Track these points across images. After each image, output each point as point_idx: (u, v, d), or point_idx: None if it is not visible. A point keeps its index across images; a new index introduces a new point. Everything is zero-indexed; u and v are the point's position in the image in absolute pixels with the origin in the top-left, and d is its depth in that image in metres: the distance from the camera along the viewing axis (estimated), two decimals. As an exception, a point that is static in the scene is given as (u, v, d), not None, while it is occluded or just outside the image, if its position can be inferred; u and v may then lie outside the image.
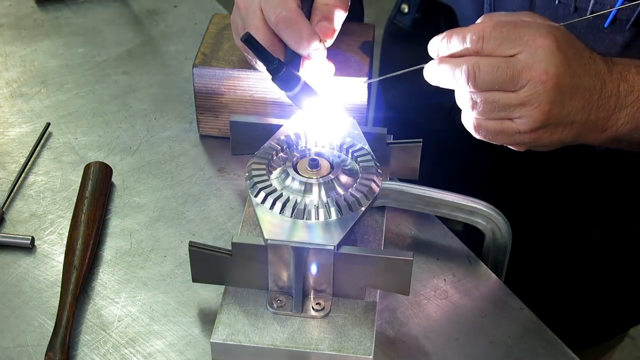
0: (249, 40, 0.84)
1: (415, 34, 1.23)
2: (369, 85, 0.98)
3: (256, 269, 0.81)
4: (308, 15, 0.91)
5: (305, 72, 0.90)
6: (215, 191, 0.99)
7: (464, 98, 0.83)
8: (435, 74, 0.83)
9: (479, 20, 0.83)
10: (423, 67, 0.84)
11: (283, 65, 0.86)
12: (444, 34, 0.82)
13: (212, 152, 1.04)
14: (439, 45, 0.82)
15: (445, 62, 0.81)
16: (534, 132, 0.82)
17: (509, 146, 0.86)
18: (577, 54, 0.81)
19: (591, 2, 0.92)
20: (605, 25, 0.93)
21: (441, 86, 0.83)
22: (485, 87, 0.80)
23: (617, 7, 0.90)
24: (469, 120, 0.84)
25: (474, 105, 0.82)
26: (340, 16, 0.92)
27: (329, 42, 0.92)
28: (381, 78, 0.95)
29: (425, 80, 0.83)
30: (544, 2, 0.97)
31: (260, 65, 0.93)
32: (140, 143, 1.06)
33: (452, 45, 0.81)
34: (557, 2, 0.95)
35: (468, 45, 0.80)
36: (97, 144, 1.05)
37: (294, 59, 0.90)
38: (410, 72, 0.86)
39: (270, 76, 0.87)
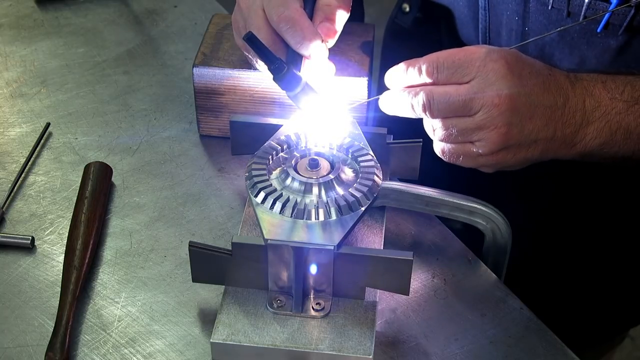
0: (251, 40, 0.84)
1: (416, 33, 1.23)
2: (369, 85, 0.98)
3: (256, 269, 0.81)
4: (310, 15, 0.91)
5: (307, 72, 0.90)
6: (215, 191, 0.99)
7: (427, 124, 0.86)
8: (393, 104, 0.85)
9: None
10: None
11: (285, 65, 0.86)
12: (401, 65, 0.84)
13: (212, 152, 1.04)
14: (396, 77, 0.84)
15: (402, 92, 0.84)
16: (495, 154, 0.84)
17: (478, 169, 0.88)
18: (532, 73, 0.82)
19: (584, 7, 0.92)
20: (599, 30, 0.93)
21: (398, 115, 0.86)
22: (441, 114, 0.82)
23: (610, 9, 0.91)
24: (435, 144, 0.87)
25: (435, 131, 0.85)
26: (342, 17, 0.92)
27: (331, 42, 0.92)
28: (366, 101, 0.97)
29: None
30: (538, 7, 0.97)
31: (261, 65, 0.93)
32: (140, 143, 1.06)
33: (409, 77, 0.83)
34: (550, 7, 0.95)
35: (424, 75, 0.82)
36: (97, 144, 1.05)
37: (296, 59, 0.90)
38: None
39: (271, 76, 0.87)
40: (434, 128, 0.85)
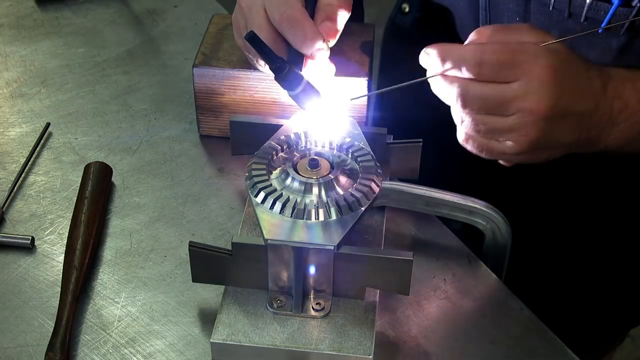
0: (253, 39, 0.84)
1: (416, 33, 1.23)
2: (369, 85, 0.98)
3: (256, 269, 0.81)
4: (311, 15, 0.91)
5: (307, 71, 0.90)
6: (215, 191, 0.99)
7: (456, 114, 0.84)
8: (433, 85, 0.83)
9: (474, 37, 0.83)
10: (417, 81, 0.84)
11: (286, 64, 0.86)
12: (439, 49, 0.81)
13: (212, 152, 1.04)
14: (435, 60, 0.82)
15: (438, 78, 0.82)
16: (519, 155, 0.83)
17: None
18: (574, 78, 0.81)
19: (585, 8, 0.92)
20: (600, 30, 0.93)
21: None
22: (474, 110, 0.81)
23: (608, 22, 0.90)
24: (460, 132, 0.86)
25: (463, 122, 0.83)
26: (343, 16, 0.92)
27: (332, 42, 0.92)
28: (378, 92, 0.95)
29: (426, 81, 0.83)
30: (539, 8, 0.97)
31: (261, 65, 0.93)
32: (140, 143, 1.06)
33: (448, 66, 0.81)
34: (551, 7, 0.95)
35: (464, 70, 0.79)
36: (97, 144, 1.05)
37: (297, 58, 0.90)
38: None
39: (271, 75, 0.87)
40: (462, 119, 0.83)
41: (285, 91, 0.89)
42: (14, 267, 0.90)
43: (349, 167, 0.87)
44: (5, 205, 0.96)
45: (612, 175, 1.08)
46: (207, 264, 0.81)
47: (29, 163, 1.02)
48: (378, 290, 0.83)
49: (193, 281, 0.83)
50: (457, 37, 1.13)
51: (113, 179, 0.99)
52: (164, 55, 1.22)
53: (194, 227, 0.94)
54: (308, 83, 0.88)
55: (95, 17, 1.29)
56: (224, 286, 0.83)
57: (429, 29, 1.20)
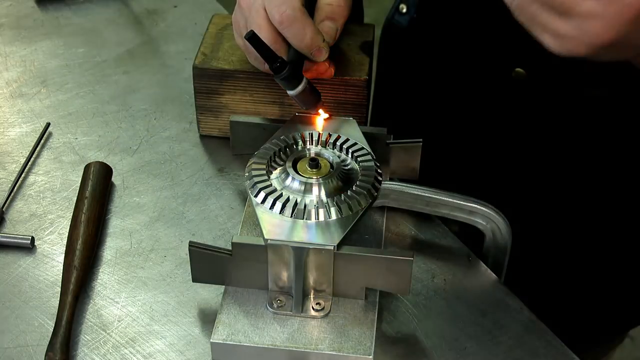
0: (253, 39, 0.84)
1: (413, 33, 1.23)
2: (369, 85, 0.98)
3: (256, 269, 0.81)
4: (311, 15, 0.91)
5: (308, 71, 0.91)
6: (215, 191, 0.99)
7: None
8: None
9: None
10: None
11: (286, 64, 0.86)
12: None
13: (212, 152, 1.04)
14: None
15: None
16: (558, 53, 0.72)
17: None
18: None
19: None
20: None
21: None
22: None
23: None
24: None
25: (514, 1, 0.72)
26: (343, 16, 0.92)
27: (332, 41, 0.92)
28: None
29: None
30: None
31: (261, 64, 0.93)
32: (140, 143, 1.06)
33: None
34: None
35: None
36: (97, 144, 1.06)
37: (297, 58, 0.90)
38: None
39: (271, 75, 0.87)
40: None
41: (286, 91, 0.89)
42: (14, 267, 0.90)
43: (349, 167, 0.87)
44: (5, 205, 0.96)
45: (613, 175, 1.08)
46: (207, 264, 0.81)
47: (29, 163, 1.02)
48: (378, 290, 0.83)
49: (193, 281, 0.83)
50: (456, 37, 1.13)
51: (113, 179, 0.99)
52: (164, 55, 1.22)
53: (194, 227, 0.94)
54: (308, 83, 0.88)
55: (95, 17, 1.29)
56: (224, 286, 0.83)
57: (426, 28, 1.20)
